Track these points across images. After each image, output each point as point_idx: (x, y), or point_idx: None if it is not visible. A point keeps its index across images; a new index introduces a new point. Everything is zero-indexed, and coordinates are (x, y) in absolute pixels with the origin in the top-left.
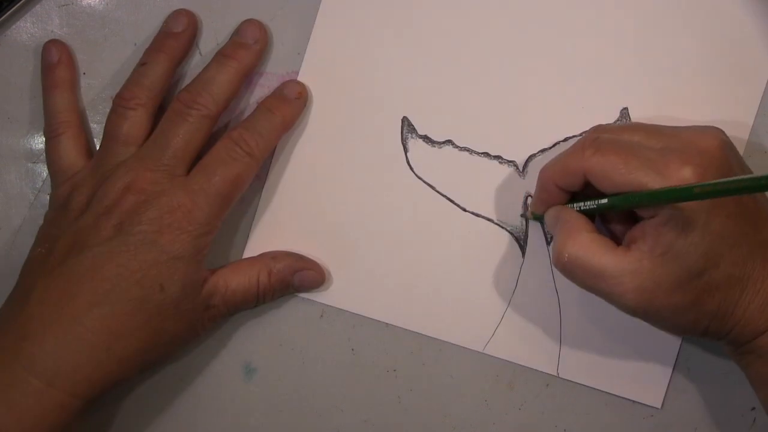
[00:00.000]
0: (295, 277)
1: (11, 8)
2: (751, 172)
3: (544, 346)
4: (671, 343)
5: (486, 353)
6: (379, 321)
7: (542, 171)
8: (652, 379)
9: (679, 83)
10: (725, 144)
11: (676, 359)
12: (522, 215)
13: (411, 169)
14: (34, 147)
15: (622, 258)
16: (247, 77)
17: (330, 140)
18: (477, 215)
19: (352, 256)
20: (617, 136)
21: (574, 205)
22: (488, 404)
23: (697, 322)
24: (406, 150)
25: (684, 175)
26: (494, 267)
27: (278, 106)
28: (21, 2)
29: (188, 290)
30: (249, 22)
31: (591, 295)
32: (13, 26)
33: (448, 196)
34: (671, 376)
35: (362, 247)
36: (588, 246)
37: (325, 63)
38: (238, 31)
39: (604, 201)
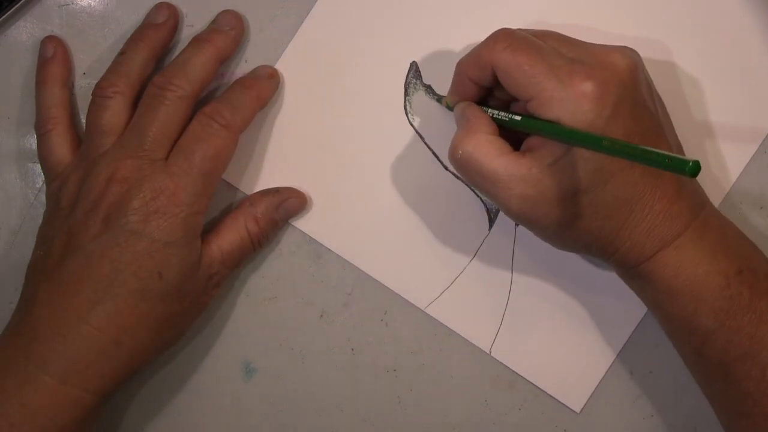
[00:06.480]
0: (279, 212)
1: (11, 8)
2: (660, 99)
3: (484, 320)
4: (608, 347)
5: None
6: (379, 321)
7: (458, 62)
8: (578, 383)
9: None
10: (635, 65)
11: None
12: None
13: (406, 113)
14: (34, 147)
15: (514, 163)
16: (223, 63)
17: (330, 74)
18: (456, 176)
19: (332, 190)
20: (532, 36)
21: (488, 110)
22: (488, 404)
23: (579, 238)
24: (406, 94)
25: (585, 89)
26: (458, 232)
27: (252, 84)
28: (21, 2)
29: (188, 272)
30: (226, 12)
31: (545, 284)
32: (13, 26)
33: (434, 150)
34: (672, 377)
35: (341, 182)
36: (483, 147)
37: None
38: (215, 20)
39: (517, 118)
